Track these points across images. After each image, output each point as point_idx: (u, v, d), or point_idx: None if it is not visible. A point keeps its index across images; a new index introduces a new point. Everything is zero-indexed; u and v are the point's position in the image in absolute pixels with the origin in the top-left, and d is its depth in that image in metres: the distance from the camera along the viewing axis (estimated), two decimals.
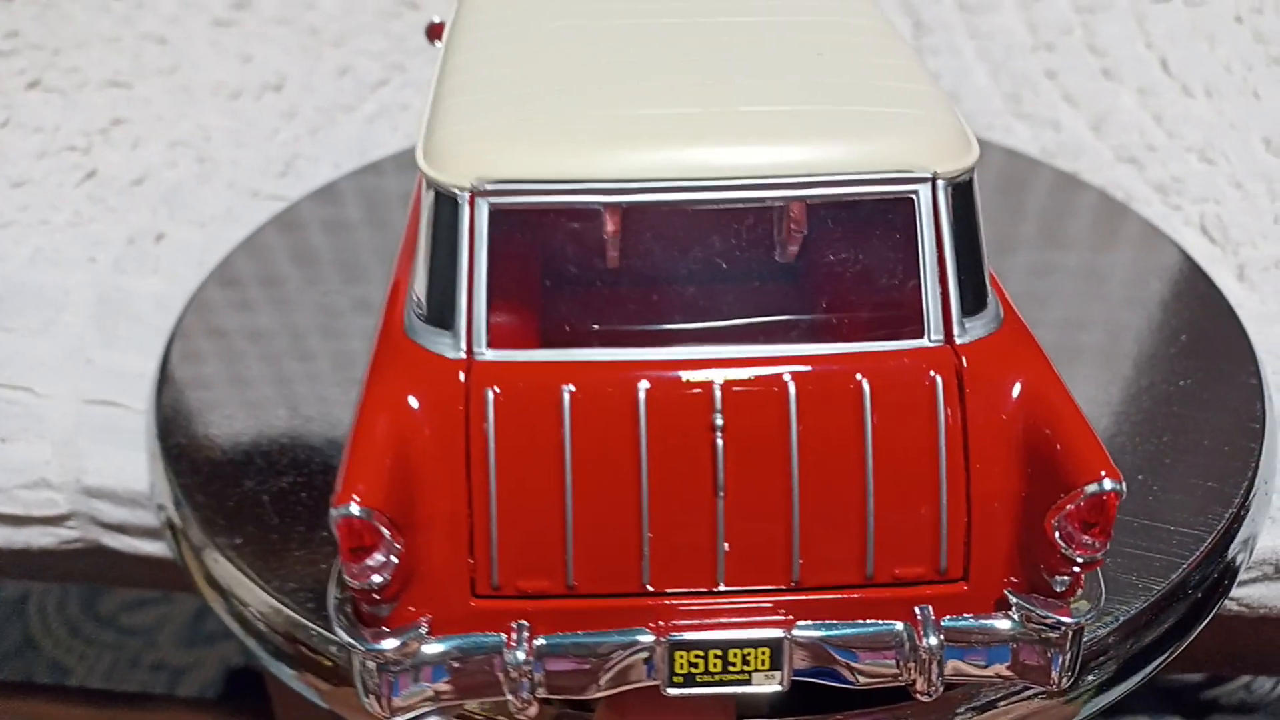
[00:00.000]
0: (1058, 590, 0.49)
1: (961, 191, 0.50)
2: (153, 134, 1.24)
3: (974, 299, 0.50)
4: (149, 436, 0.79)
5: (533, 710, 0.49)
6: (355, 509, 0.44)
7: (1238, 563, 0.68)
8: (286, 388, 0.79)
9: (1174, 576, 0.61)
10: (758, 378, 0.48)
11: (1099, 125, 1.22)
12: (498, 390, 0.48)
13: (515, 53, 0.55)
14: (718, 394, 0.48)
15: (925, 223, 0.49)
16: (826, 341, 0.49)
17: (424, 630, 0.48)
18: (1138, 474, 0.68)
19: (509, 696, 0.48)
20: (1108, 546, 0.46)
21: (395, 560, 0.46)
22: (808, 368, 0.48)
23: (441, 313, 0.49)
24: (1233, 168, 1.10)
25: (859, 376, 0.48)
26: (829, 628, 0.49)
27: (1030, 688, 0.53)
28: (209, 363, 0.83)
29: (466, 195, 0.48)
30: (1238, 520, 0.65)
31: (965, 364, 0.49)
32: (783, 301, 0.51)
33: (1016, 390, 0.49)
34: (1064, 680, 0.50)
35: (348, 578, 0.46)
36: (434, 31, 0.94)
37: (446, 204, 0.49)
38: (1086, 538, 0.46)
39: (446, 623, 0.49)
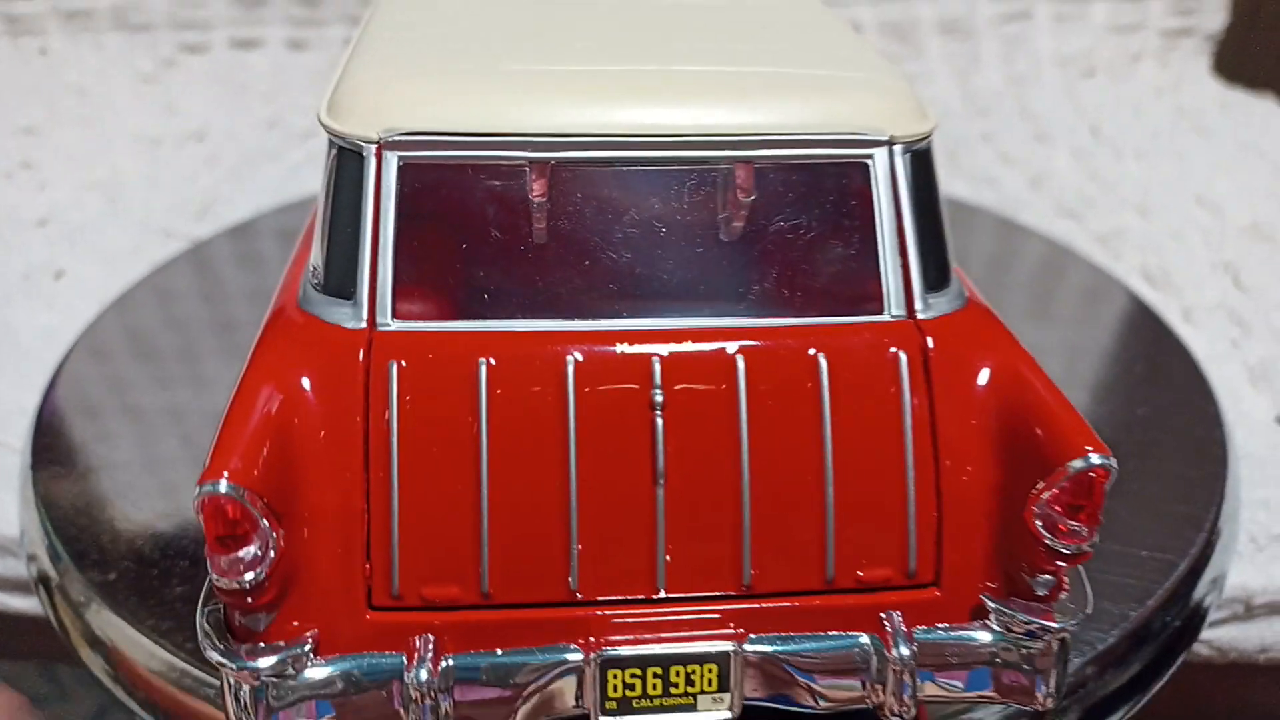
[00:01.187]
0: (1040, 594, 0.43)
1: (920, 159, 0.46)
2: (62, 177, 1.17)
3: (937, 274, 0.46)
4: (22, 476, 0.71)
5: None
6: (224, 486, 0.37)
7: (1206, 603, 0.64)
8: (177, 419, 0.72)
9: (1150, 602, 0.56)
10: (702, 351, 0.42)
11: (1036, 183, 1.22)
12: (403, 364, 0.41)
13: (435, 20, 0.51)
14: (657, 368, 0.42)
15: (882, 189, 0.45)
16: (777, 315, 0.44)
17: (308, 647, 0.41)
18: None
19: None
20: (1096, 535, 0.41)
21: (272, 554, 0.38)
22: (757, 341, 0.43)
23: (341, 280, 0.43)
24: (1169, 221, 1.11)
25: (813, 351, 0.43)
26: (785, 641, 0.42)
27: (1011, 707, 0.46)
28: (96, 396, 0.76)
29: (373, 148, 0.42)
30: (1210, 545, 0.61)
31: (930, 341, 0.44)
32: (729, 272, 0.45)
33: (987, 369, 0.44)
34: (1049, 699, 0.44)
35: (214, 575, 0.38)
36: None
37: (350, 159, 0.43)
38: (1073, 523, 0.41)
39: (337, 639, 0.41)
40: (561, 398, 0.42)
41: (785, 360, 0.43)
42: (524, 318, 0.43)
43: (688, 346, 0.43)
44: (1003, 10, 1.65)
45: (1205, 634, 0.69)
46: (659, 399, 0.42)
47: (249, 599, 0.39)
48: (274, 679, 0.40)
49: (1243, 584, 0.67)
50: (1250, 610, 0.68)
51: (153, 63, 1.58)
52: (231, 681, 0.40)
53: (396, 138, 0.42)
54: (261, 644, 0.40)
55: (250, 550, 0.38)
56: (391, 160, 0.43)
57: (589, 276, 0.44)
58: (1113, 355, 0.79)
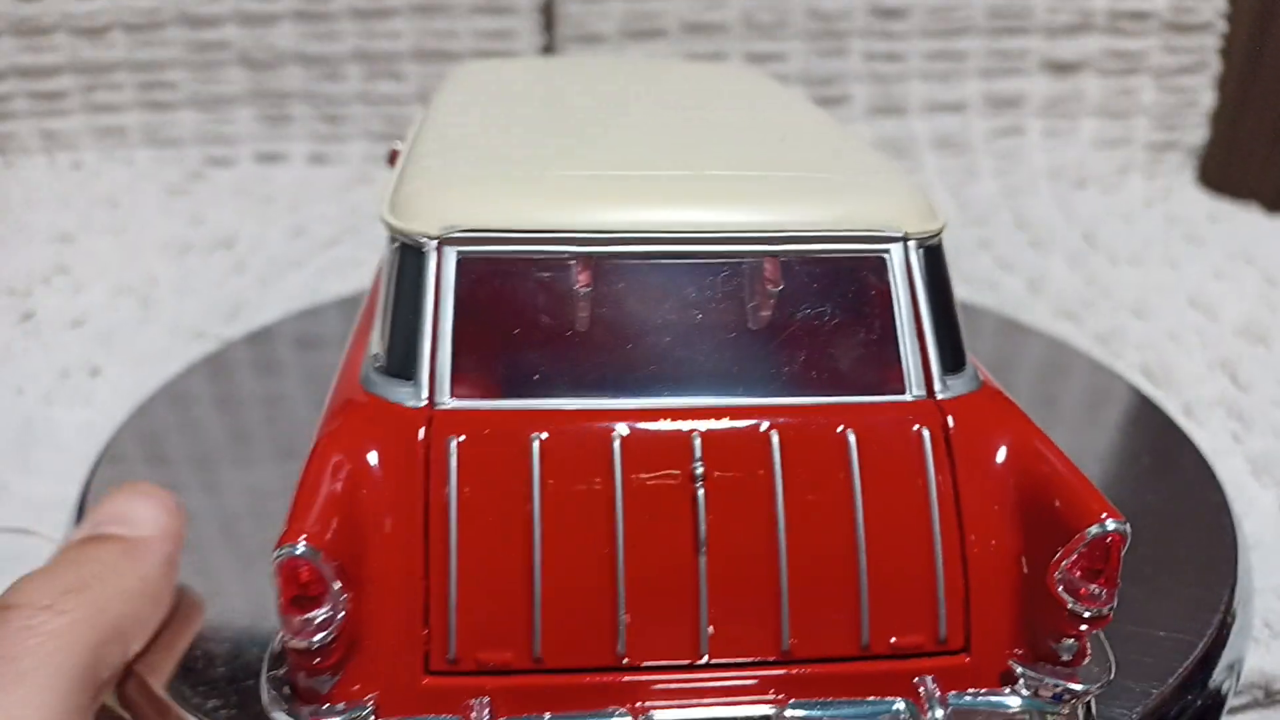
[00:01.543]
0: (1064, 659, 0.45)
1: (932, 254, 0.50)
2: (96, 281, 1.22)
3: (953, 358, 0.49)
4: None
5: None
6: (302, 548, 0.39)
7: (1225, 687, 0.65)
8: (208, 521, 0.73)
9: (1171, 680, 0.57)
10: (738, 426, 0.45)
11: (1034, 287, 1.27)
12: (462, 439, 0.44)
13: (487, 123, 0.55)
14: (697, 442, 0.44)
15: (899, 280, 0.49)
16: (806, 395, 0.47)
17: (369, 711, 0.42)
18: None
19: None
20: (1115, 599, 0.43)
21: (341, 616, 0.41)
22: (789, 418, 0.46)
23: (402, 363, 0.46)
24: (1165, 323, 1.15)
25: (842, 428, 0.46)
26: (825, 706, 0.44)
27: None
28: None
29: (434, 244, 0.46)
30: (1225, 626, 0.62)
31: (950, 419, 0.47)
32: (761, 356, 0.48)
33: (1005, 445, 0.47)
34: None
35: (286, 634, 0.40)
36: (394, 158, 0.95)
37: (411, 255, 0.47)
38: (1093, 587, 0.43)
39: (395, 703, 0.43)
40: (609, 470, 0.44)
41: (816, 435, 0.46)
42: (572, 396, 0.46)
43: (725, 423, 0.45)
44: (995, 126, 1.74)
45: None
46: (700, 471, 0.44)
47: (317, 659, 0.41)
48: None
49: (1261, 669, 0.68)
50: (1270, 696, 0.69)
51: (181, 175, 1.65)
52: None
53: (456, 234, 0.46)
54: (325, 705, 0.42)
55: (322, 612, 0.40)
56: (450, 255, 0.46)
57: (630, 358, 0.48)
58: (1119, 448, 0.82)
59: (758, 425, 0.46)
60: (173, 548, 0.56)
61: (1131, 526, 0.72)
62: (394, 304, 0.47)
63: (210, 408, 0.88)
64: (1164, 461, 0.80)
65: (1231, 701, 0.68)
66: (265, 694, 0.43)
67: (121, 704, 0.56)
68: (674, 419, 0.45)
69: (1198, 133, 1.77)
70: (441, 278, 0.46)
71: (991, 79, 1.73)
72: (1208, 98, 1.75)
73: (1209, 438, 0.91)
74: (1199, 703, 0.58)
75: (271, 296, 1.20)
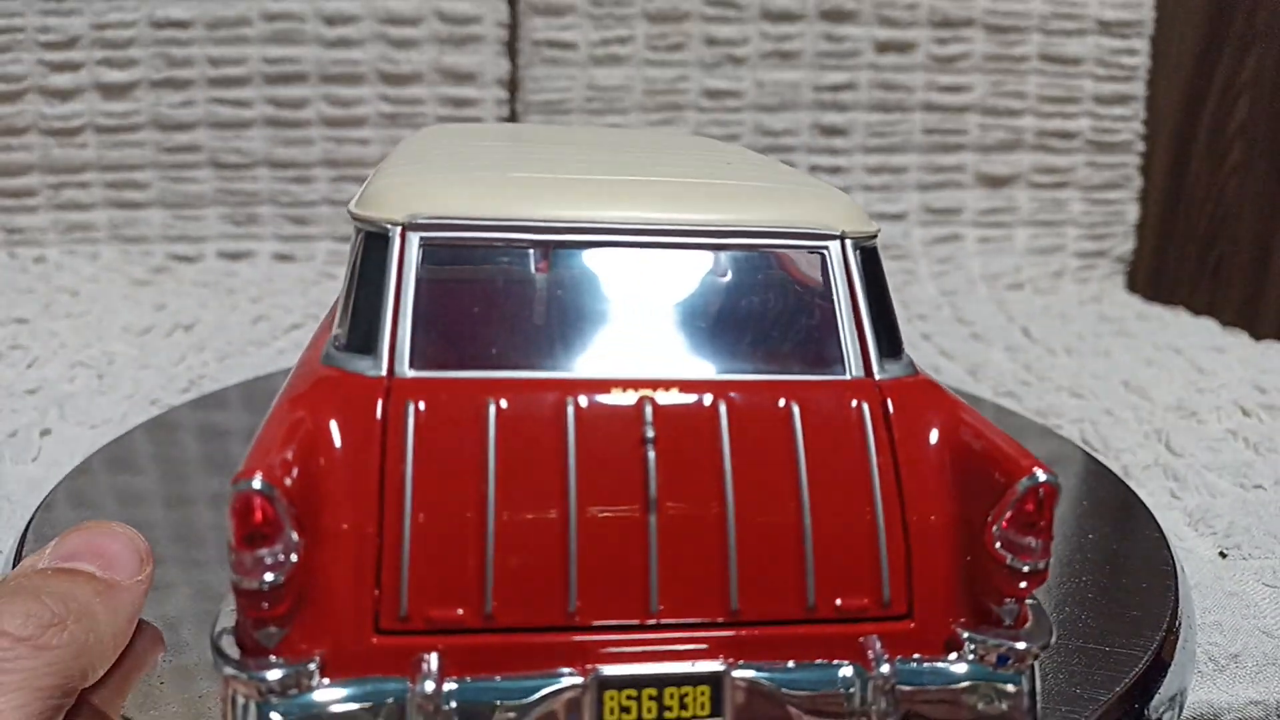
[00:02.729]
0: (1007, 623, 0.46)
1: (869, 254, 0.54)
2: (52, 358, 1.22)
3: (889, 345, 0.52)
4: None
5: None
6: (258, 483, 0.40)
7: (1174, 690, 0.65)
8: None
9: (1118, 688, 0.58)
10: (687, 395, 0.47)
11: (975, 372, 1.32)
12: (419, 404, 0.45)
13: (450, 150, 0.59)
14: (648, 409, 0.46)
15: (837, 273, 0.52)
16: (752, 372, 0.50)
17: (314, 665, 0.42)
18: (1065, 606, 0.67)
19: None
20: (1050, 554, 0.44)
21: (293, 558, 0.41)
22: (736, 392, 0.48)
23: (363, 338, 0.48)
24: (1101, 402, 1.19)
25: (786, 400, 0.48)
26: (774, 666, 0.44)
27: None
28: None
29: (397, 229, 0.49)
30: (1169, 640, 0.64)
31: (888, 397, 0.50)
32: (708, 339, 0.51)
33: (939, 419, 0.49)
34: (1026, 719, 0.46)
35: (236, 575, 0.40)
36: None
37: (376, 241, 0.49)
38: (1028, 540, 0.44)
39: (343, 661, 0.42)
40: (562, 434, 0.46)
41: (761, 406, 0.48)
42: (528, 370, 0.48)
43: (674, 393, 0.48)
44: (934, 234, 1.83)
45: None
46: (650, 435, 0.46)
47: (265, 604, 0.41)
48: (279, 694, 0.41)
49: (1209, 701, 0.69)
50: None
51: (145, 270, 1.67)
52: (239, 700, 0.41)
53: (419, 221, 0.49)
54: (270, 658, 0.42)
55: (274, 551, 0.40)
56: (413, 240, 0.49)
57: (585, 338, 0.50)
58: (1067, 494, 0.85)
59: (705, 396, 0.48)
60: (139, 598, 0.55)
61: (1075, 558, 0.75)
62: (356, 287, 0.49)
63: (151, 463, 0.88)
64: (1103, 505, 0.83)
65: None
66: (212, 648, 0.42)
67: None
68: (626, 389, 0.47)
69: (1125, 243, 1.87)
70: (404, 260, 0.48)
71: (929, 192, 1.83)
72: (1132, 211, 1.87)
73: (1148, 495, 0.94)
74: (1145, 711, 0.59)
75: (230, 373, 1.20)
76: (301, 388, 0.48)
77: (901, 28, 1.76)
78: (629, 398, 0.47)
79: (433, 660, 0.43)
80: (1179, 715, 0.66)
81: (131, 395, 1.11)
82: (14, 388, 1.11)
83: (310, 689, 0.42)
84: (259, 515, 0.40)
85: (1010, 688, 0.46)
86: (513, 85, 1.76)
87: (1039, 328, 1.52)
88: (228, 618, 0.43)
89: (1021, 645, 0.46)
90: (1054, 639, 0.46)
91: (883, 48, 1.77)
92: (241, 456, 0.42)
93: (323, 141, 1.73)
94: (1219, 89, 1.91)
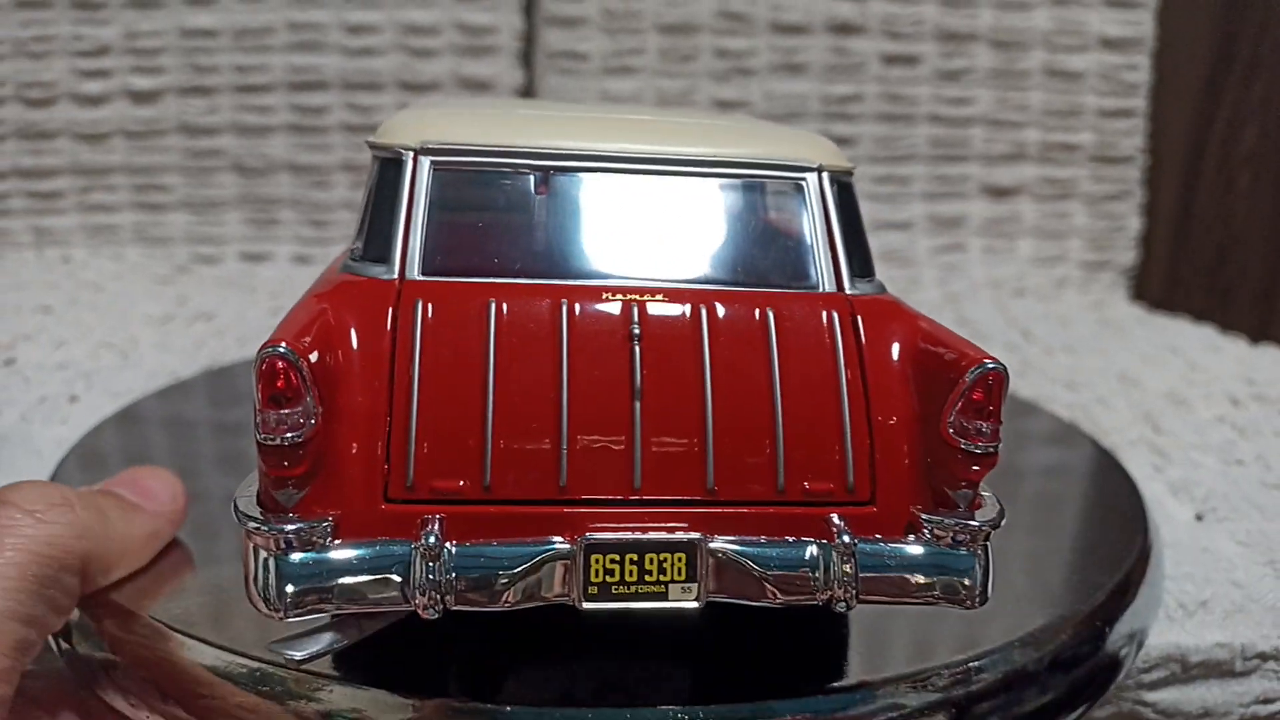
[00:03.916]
0: (962, 508, 0.50)
1: (844, 188, 0.59)
2: (78, 341, 1.27)
3: (860, 265, 0.58)
4: None
5: (436, 612, 0.47)
6: (284, 349, 0.45)
7: (1122, 655, 0.67)
8: None
9: (1078, 614, 0.61)
10: (672, 300, 0.53)
11: None
12: (427, 303, 0.51)
13: (460, 103, 0.65)
14: (635, 309, 0.52)
15: (814, 200, 0.58)
16: (733, 284, 0.55)
17: (329, 524, 0.46)
18: (1037, 553, 0.70)
19: (416, 601, 0.46)
20: (1000, 438, 0.48)
21: (312, 423, 0.45)
22: (717, 299, 0.53)
23: (378, 247, 0.53)
24: (1095, 391, 1.22)
25: (762, 306, 0.53)
26: (746, 542, 0.48)
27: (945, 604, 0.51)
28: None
29: (410, 154, 0.55)
30: (1133, 580, 0.67)
31: (857, 310, 0.55)
32: (693, 257, 0.56)
33: (899, 324, 0.55)
34: (979, 597, 0.49)
35: (261, 434, 0.45)
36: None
37: (391, 165, 0.55)
38: (980, 423, 0.49)
39: (354, 525, 0.47)
40: (556, 329, 0.51)
41: (739, 310, 0.53)
42: (526, 277, 0.54)
43: (660, 298, 0.53)
44: (938, 243, 1.86)
45: (1148, 696, 0.72)
46: (637, 331, 0.51)
47: (285, 462, 0.45)
48: (295, 547, 0.45)
49: (1176, 643, 0.72)
50: (1187, 670, 0.72)
51: (169, 269, 1.73)
52: (261, 554, 0.46)
53: (431, 146, 0.55)
54: (289, 515, 0.46)
55: (296, 412, 0.45)
56: (425, 163, 0.55)
57: (579, 250, 0.56)
58: (1048, 460, 0.88)
59: (688, 301, 0.53)
60: (164, 525, 0.61)
61: (1056, 515, 0.78)
62: (373, 206, 0.55)
63: (160, 427, 0.92)
64: (1090, 472, 0.86)
65: (1149, 676, 0.71)
66: (234, 506, 0.46)
67: (101, 635, 0.57)
68: (615, 294, 0.53)
69: (1128, 254, 1.90)
70: (416, 180, 0.54)
71: (934, 202, 1.87)
72: (1135, 223, 1.90)
73: (1134, 469, 0.96)
74: (1098, 642, 0.62)
75: (249, 356, 1.25)
76: (323, 289, 0.53)
77: (907, 41, 1.81)
78: (618, 301, 0.53)
79: (436, 521, 0.47)
80: (1136, 653, 0.68)
81: (155, 373, 1.15)
82: (44, 363, 1.16)
83: (324, 546, 0.46)
84: (283, 379, 0.45)
85: (963, 565, 0.50)
86: (528, 94, 1.82)
87: (1039, 329, 1.55)
88: (248, 486, 0.47)
89: (974, 524, 0.50)
90: (1004, 518, 0.50)
91: (889, 60, 1.82)
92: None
93: (343, 148, 1.79)
94: (1227, 114, 1.94)
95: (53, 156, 1.76)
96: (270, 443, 0.45)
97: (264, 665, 0.51)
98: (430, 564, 0.46)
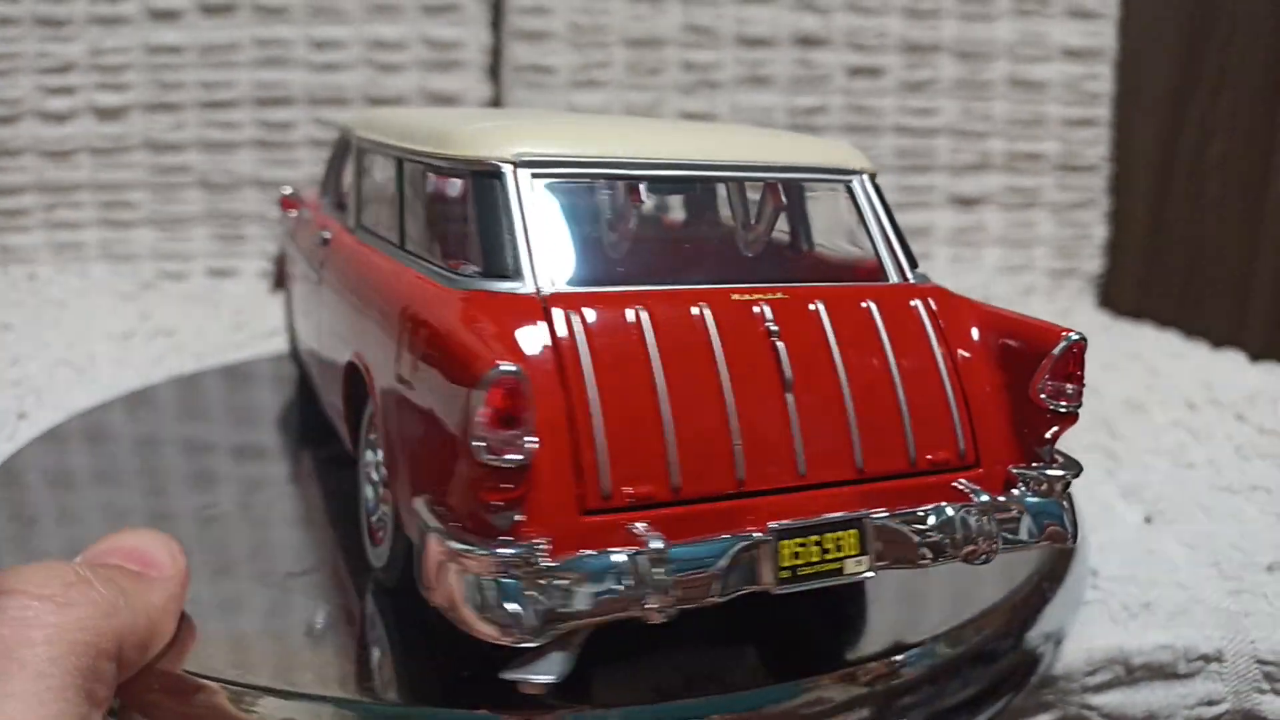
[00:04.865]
0: (1046, 462, 0.59)
1: (877, 186, 0.66)
2: (37, 356, 1.26)
3: (910, 258, 0.64)
4: None
5: (666, 613, 0.48)
6: (514, 367, 0.44)
7: (1039, 652, 0.68)
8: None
9: (996, 606, 0.63)
10: (791, 298, 0.57)
11: None
12: (580, 315, 0.52)
13: (505, 112, 0.68)
14: (765, 308, 0.55)
15: (863, 201, 0.65)
16: (820, 281, 0.60)
17: (545, 544, 0.46)
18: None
19: (649, 606, 0.47)
20: (1082, 397, 0.57)
21: (534, 443, 0.45)
22: (823, 296, 0.58)
23: (504, 264, 0.54)
24: None
25: (864, 300, 0.59)
26: (900, 511, 0.54)
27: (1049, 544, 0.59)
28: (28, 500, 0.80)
29: (510, 167, 0.56)
30: (1052, 580, 0.68)
31: (927, 295, 0.61)
32: (783, 257, 0.64)
33: (968, 308, 0.61)
34: (1072, 537, 0.58)
35: (485, 456, 0.44)
36: (285, 203, 1.05)
37: (488, 179, 0.56)
38: (1069, 385, 0.58)
39: (560, 541, 0.47)
40: (704, 333, 0.54)
41: (847, 305, 0.58)
42: (648, 283, 0.56)
43: (779, 296, 0.57)
44: None
45: (1093, 700, 0.72)
46: (774, 328, 0.55)
47: (506, 485, 0.45)
48: (519, 571, 0.45)
49: (1119, 645, 0.72)
50: (1131, 672, 0.72)
51: (134, 285, 1.72)
52: (483, 580, 0.45)
53: (527, 158, 0.57)
54: (507, 537, 0.46)
55: (520, 432, 0.45)
56: (525, 174, 0.56)
57: (683, 254, 0.64)
58: None
59: (802, 298, 0.57)
60: (176, 589, 0.53)
61: None
62: (480, 220, 0.55)
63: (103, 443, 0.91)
64: None
65: (1093, 679, 0.71)
66: (430, 524, 0.46)
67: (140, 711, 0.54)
68: (739, 295, 0.56)
69: (1094, 262, 1.91)
70: (522, 194, 0.55)
71: (900, 212, 1.88)
72: (1100, 231, 1.91)
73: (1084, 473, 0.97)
74: (1014, 643, 0.63)
75: (207, 369, 1.24)
76: (460, 305, 0.52)
77: (872, 53, 1.82)
78: (744, 300, 0.56)
79: (643, 526, 0.49)
80: (1054, 650, 0.69)
81: (109, 389, 1.14)
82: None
83: (549, 566, 0.46)
84: (513, 399, 0.44)
85: (1058, 511, 0.58)
86: (495, 107, 1.82)
87: None
88: (428, 515, 0.47)
89: (1059, 474, 0.58)
90: (1080, 470, 0.59)
91: (854, 72, 1.83)
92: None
93: (309, 162, 1.79)
94: (1195, 125, 1.96)
95: (18, 174, 1.76)
96: (496, 464, 0.45)
97: (369, 704, 0.51)
98: (657, 569, 0.47)
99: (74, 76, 1.73)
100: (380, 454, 0.59)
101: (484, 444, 0.45)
